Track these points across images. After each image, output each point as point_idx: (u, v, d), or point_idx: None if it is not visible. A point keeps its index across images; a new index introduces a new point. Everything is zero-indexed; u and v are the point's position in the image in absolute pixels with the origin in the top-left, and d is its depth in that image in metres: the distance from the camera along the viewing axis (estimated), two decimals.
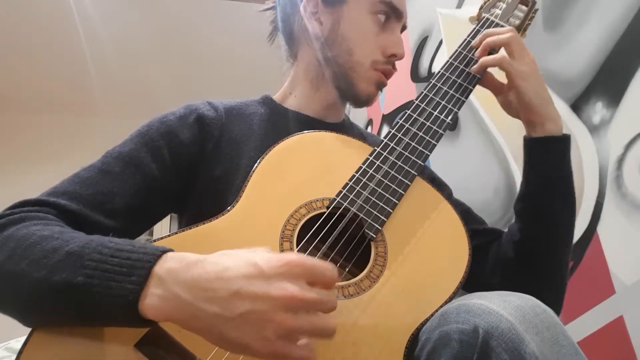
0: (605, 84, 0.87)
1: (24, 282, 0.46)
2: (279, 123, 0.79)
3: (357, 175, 0.63)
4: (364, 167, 0.64)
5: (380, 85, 0.80)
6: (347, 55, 0.77)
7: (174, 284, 0.42)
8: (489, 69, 0.74)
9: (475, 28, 0.78)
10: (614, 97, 0.84)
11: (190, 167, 0.71)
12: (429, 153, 0.66)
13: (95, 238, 0.49)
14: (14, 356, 0.45)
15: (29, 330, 0.47)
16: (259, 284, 0.41)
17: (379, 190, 0.62)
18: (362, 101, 0.80)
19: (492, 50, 0.73)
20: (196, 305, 0.41)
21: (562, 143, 0.68)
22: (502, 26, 0.78)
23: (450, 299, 0.54)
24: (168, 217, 0.76)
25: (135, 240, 0.48)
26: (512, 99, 0.72)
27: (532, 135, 0.69)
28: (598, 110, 0.88)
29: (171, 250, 0.46)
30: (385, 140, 0.67)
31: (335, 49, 0.78)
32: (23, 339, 0.46)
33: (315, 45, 0.81)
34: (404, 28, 0.82)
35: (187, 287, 0.42)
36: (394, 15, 0.78)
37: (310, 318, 0.41)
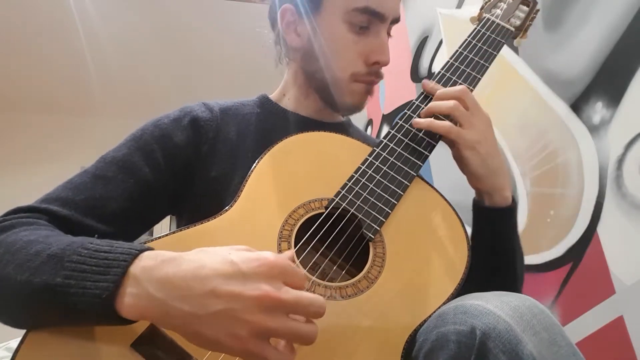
0: (605, 84, 0.87)
1: (9, 286, 0.47)
2: (276, 123, 0.79)
3: (356, 175, 0.63)
4: (362, 167, 0.64)
5: (367, 94, 0.77)
6: (325, 72, 0.74)
7: (148, 282, 0.42)
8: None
9: (476, 28, 0.78)
10: (614, 97, 0.84)
11: (186, 169, 0.71)
12: (428, 154, 0.66)
13: (77, 240, 0.49)
14: None
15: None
16: (234, 283, 0.40)
17: (378, 190, 0.62)
18: (350, 111, 0.79)
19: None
20: (169, 303, 0.41)
21: (506, 214, 0.67)
22: (502, 27, 0.77)
23: (449, 300, 0.54)
24: (168, 217, 0.76)
25: (118, 242, 0.48)
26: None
27: (478, 203, 0.68)
28: (598, 110, 0.88)
29: (151, 248, 0.46)
30: (385, 141, 0.67)
31: (313, 64, 0.75)
32: None
33: (296, 56, 0.79)
34: (396, 21, 0.76)
35: (160, 285, 0.42)
36: (375, 18, 0.72)
37: (286, 320, 0.40)
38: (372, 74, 0.75)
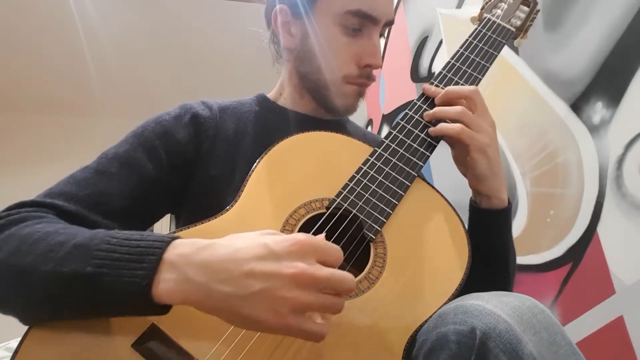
0: (605, 84, 0.87)
1: (31, 277, 0.46)
2: (275, 121, 0.79)
3: (357, 176, 0.63)
4: (364, 167, 0.64)
5: (358, 96, 0.77)
6: (317, 74, 0.75)
7: (187, 267, 0.43)
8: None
9: (476, 28, 0.78)
10: (614, 97, 0.84)
11: (186, 167, 0.71)
12: (429, 154, 0.66)
13: (101, 231, 0.49)
14: None
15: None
16: (270, 263, 0.42)
17: (379, 191, 0.62)
18: (342, 113, 0.79)
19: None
20: (210, 286, 0.42)
21: (502, 216, 0.67)
22: (503, 27, 0.77)
23: (450, 300, 0.54)
24: (167, 217, 0.76)
25: (144, 232, 0.48)
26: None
27: (475, 205, 0.69)
28: (598, 110, 0.88)
29: (179, 237, 0.47)
30: (387, 142, 0.67)
31: (306, 66, 0.76)
32: None
33: (290, 57, 0.79)
34: (389, 24, 0.76)
35: (201, 269, 0.43)
36: (368, 21, 0.72)
37: (320, 295, 0.43)
38: (363, 77, 0.75)
